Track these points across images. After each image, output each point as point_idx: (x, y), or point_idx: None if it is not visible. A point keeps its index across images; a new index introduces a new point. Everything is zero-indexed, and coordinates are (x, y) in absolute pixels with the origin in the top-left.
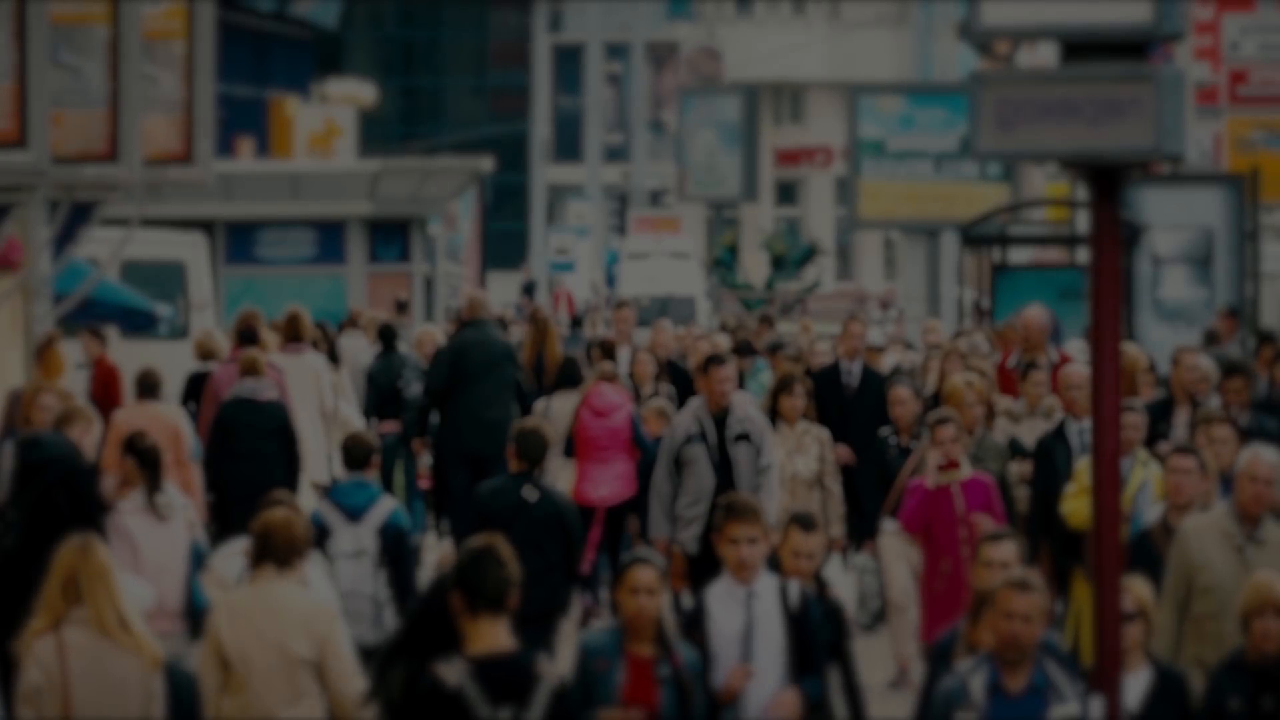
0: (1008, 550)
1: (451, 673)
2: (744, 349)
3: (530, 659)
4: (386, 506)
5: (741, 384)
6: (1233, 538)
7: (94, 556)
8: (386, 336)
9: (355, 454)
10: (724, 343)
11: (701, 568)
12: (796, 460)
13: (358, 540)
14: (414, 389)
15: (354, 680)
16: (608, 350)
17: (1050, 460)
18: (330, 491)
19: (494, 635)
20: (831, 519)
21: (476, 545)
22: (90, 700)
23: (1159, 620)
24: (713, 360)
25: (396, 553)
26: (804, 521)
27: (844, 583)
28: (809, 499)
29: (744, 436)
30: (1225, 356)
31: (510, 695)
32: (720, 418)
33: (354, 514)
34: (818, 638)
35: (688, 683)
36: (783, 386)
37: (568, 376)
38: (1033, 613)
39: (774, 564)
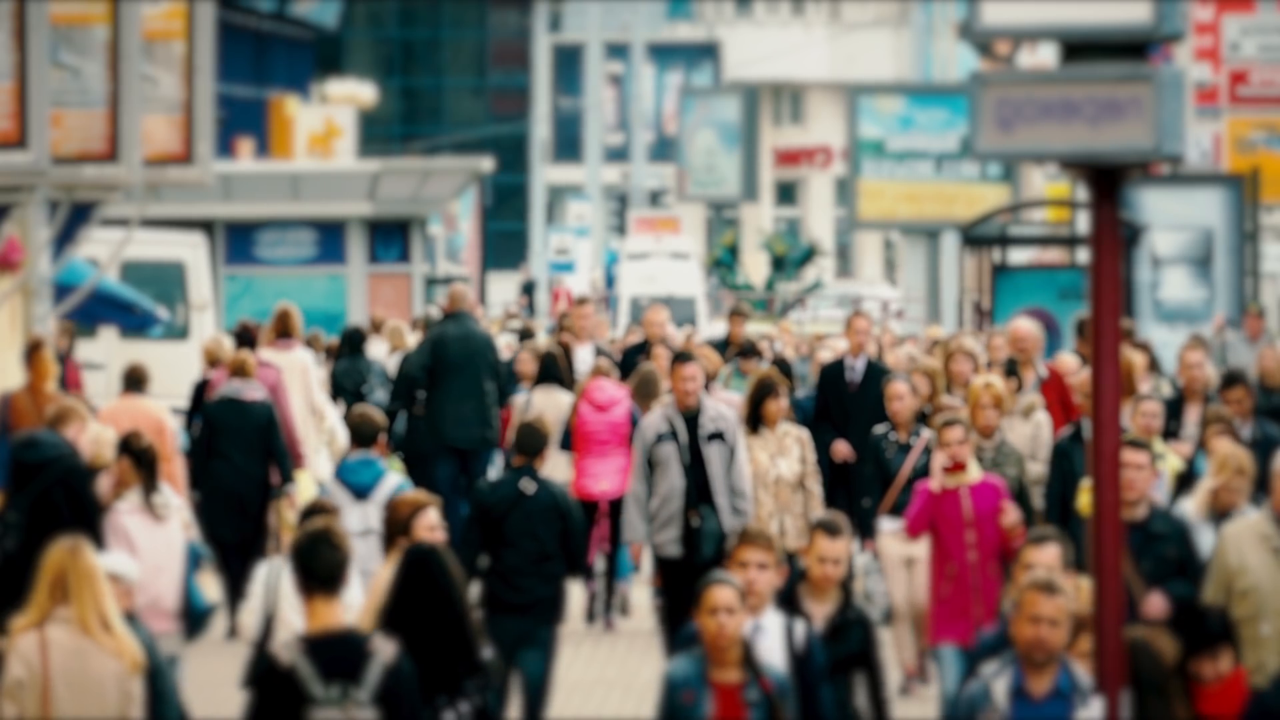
0: (1051, 553)
1: (285, 651)
2: (748, 350)
3: (364, 637)
4: (393, 484)
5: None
6: (1270, 539)
7: (83, 557)
8: (354, 341)
9: (363, 432)
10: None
11: (682, 572)
12: (780, 463)
13: (365, 519)
14: (377, 395)
15: None
16: (567, 351)
17: (1068, 461)
18: (338, 470)
19: (328, 614)
20: (812, 520)
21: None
22: (69, 698)
23: None
24: (679, 359)
25: None
26: (829, 527)
27: None
28: (793, 501)
29: (717, 436)
30: (1230, 366)
31: (342, 672)
32: (691, 417)
33: (361, 492)
34: (821, 683)
35: (779, 704)
36: (767, 390)
37: (548, 372)
38: (1059, 616)
39: (784, 597)
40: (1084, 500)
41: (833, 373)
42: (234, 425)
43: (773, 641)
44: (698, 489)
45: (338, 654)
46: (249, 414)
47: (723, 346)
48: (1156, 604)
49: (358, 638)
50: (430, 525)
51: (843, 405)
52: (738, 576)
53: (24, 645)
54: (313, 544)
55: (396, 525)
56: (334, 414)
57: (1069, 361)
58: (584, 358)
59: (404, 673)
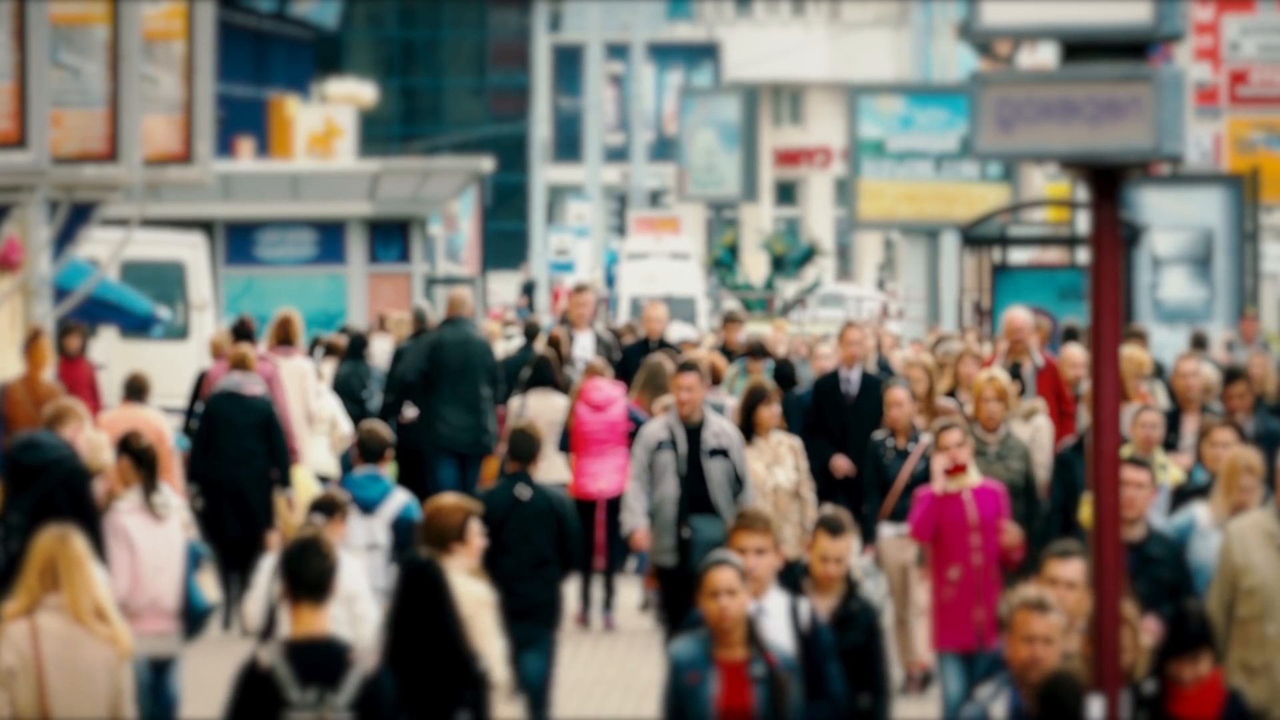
0: (1075, 569)
1: (266, 654)
2: (757, 352)
3: (346, 646)
4: (399, 500)
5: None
6: (1275, 537)
7: (72, 545)
8: (355, 346)
9: (370, 447)
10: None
11: (676, 581)
12: (776, 472)
13: (371, 534)
14: (376, 400)
15: (495, 665)
16: (554, 344)
17: (1070, 471)
18: (343, 483)
19: (312, 621)
20: (808, 528)
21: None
22: (61, 685)
23: None
24: (680, 368)
25: (409, 547)
26: (831, 525)
27: None
28: (791, 509)
29: (721, 452)
30: (1232, 362)
31: (320, 678)
32: (693, 429)
33: (368, 507)
34: (829, 660)
35: (782, 680)
36: (759, 398)
37: (540, 376)
38: (1052, 634)
39: (786, 580)
40: (1085, 514)
41: (828, 385)
42: (233, 419)
43: (777, 624)
44: (691, 500)
45: (318, 660)
46: (249, 408)
47: (720, 352)
48: (1152, 629)
49: (340, 646)
50: (479, 531)
51: (840, 418)
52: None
53: (15, 633)
54: (302, 551)
55: (451, 530)
56: (334, 404)
57: (1076, 353)
58: (584, 344)
59: (383, 684)
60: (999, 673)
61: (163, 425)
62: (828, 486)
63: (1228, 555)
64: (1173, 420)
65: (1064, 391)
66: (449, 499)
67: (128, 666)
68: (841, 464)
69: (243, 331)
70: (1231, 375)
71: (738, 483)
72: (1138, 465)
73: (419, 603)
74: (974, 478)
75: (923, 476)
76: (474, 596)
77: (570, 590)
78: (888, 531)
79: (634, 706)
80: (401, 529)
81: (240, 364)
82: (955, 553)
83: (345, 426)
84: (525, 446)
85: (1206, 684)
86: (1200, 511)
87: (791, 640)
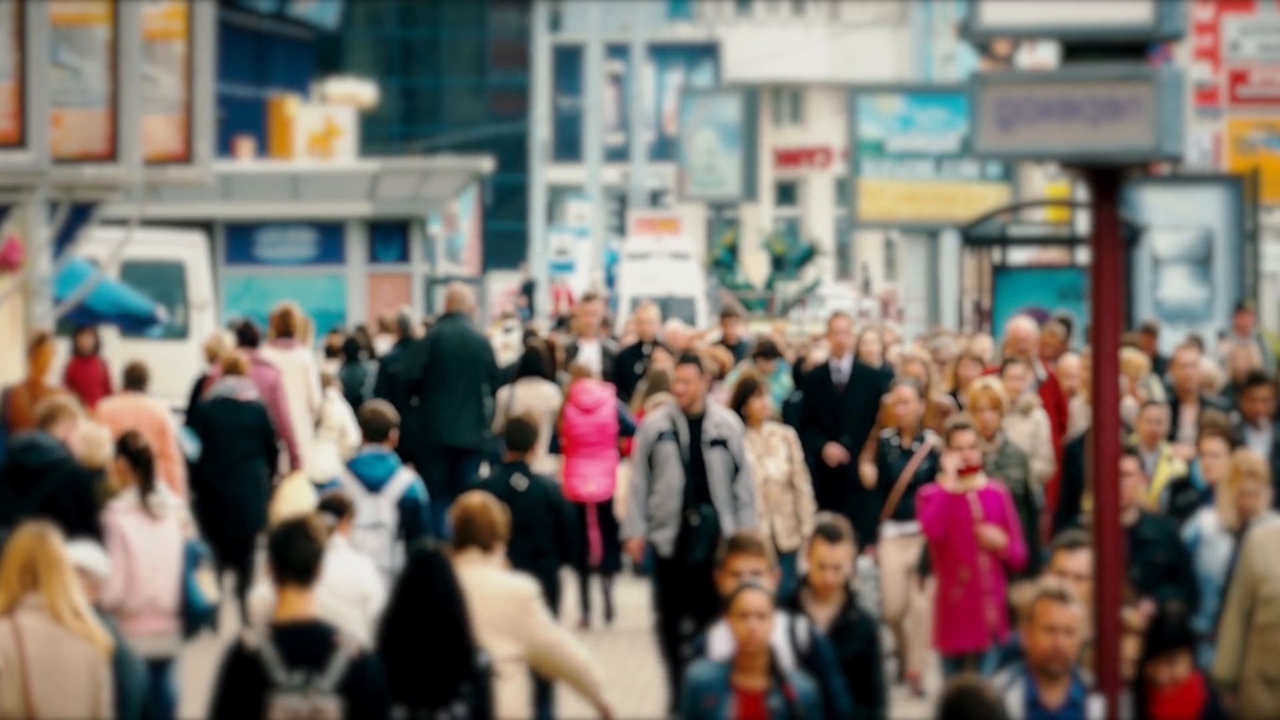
0: (1084, 560)
1: (252, 636)
2: (768, 351)
3: (332, 629)
4: (405, 479)
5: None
6: None
7: (51, 544)
8: (351, 348)
9: (375, 427)
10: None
11: (675, 571)
12: (768, 463)
13: (376, 512)
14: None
15: (572, 647)
16: (551, 350)
17: (1076, 466)
18: (350, 462)
19: (299, 603)
20: (804, 518)
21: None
22: (44, 685)
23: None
24: (680, 360)
25: (414, 525)
26: (829, 533)
27: None
28: (783, 500)
29: (720, 442)
30: (1252, 365)
31: (306, 660)
32: (695, 420)
33: (374, 486)
34: (832, 676)
35: (801, 715)
36: (749, 390)
37: (530, 366)
38: (1073, 624)
39: (788, 599)
40: (1089, 503)
41: (818, 377)
42: (228, 424)
43: (777, 645)
44: (696, 490)
45: (304, 643)
46: (243, 413)
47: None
48: (1146, 613)
49: (326, 628)
50: None
51: (831, 408)
52: (731, 587)
53: None
54: (288, 534)
55: (498, 528)
56: (343, 410)
57: (1072, 363)
58: (589, 355)
59: (370, 666)
60: (1013, 663)
61: (164, 415)
62: (824, 479)
63: (1248, 562)
64: (1171, 410)
65: (1064, 403)
66: (481, 498)
67: (107, 664)
68: (834, 452)
69: (247, 334)
70: (1255, 378)
71: (735, 470)
72: (1126, 453)
73: (428, 593)
74: (980, 480)
75: (926, 476)
76: (524, 590)
77: (570, 593)
78: (890, 532)
79: (634, 706)
80: (407, 508)
81: (233, 369)
82: (963, 553)
83: (354, 436)
84: (522, 435)
85: (1185, 686)
86: (1206, 520)
87: (792, 659)
